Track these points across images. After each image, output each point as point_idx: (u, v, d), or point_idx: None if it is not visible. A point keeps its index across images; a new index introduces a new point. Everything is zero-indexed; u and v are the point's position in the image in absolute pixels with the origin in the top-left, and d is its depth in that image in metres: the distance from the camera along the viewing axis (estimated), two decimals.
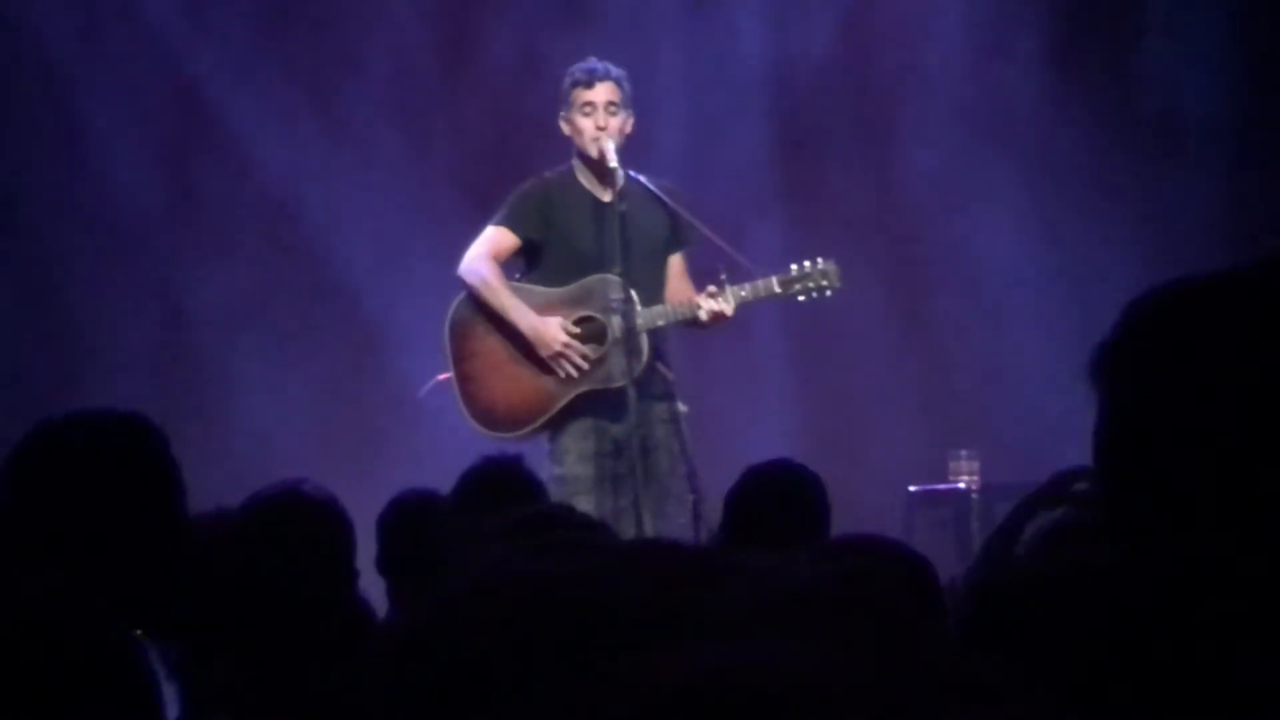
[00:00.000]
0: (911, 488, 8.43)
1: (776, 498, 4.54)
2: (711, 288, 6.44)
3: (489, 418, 6.59)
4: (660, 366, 6.58)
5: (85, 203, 8.71)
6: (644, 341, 6.45)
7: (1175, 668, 1.43)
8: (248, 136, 8.84)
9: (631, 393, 6.34)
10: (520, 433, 6.55)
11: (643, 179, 6.65)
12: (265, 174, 8.86)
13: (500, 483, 4.53)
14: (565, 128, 6.64)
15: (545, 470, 6.43)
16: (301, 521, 3.18)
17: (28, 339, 8.61)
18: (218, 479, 3.89)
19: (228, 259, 8.77)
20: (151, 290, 8.82)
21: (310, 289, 8.85)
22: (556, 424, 6.54)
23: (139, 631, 2.64)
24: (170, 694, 2.79)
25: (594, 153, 6.54)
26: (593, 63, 6.66)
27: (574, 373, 6.50)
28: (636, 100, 6.69)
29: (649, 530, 6.24)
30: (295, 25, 8.90)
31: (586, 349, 6.51)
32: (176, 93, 8.82)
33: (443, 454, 6.28)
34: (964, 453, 8.34)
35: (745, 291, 6.47)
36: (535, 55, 8.48)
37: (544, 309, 6.56)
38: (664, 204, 6.66)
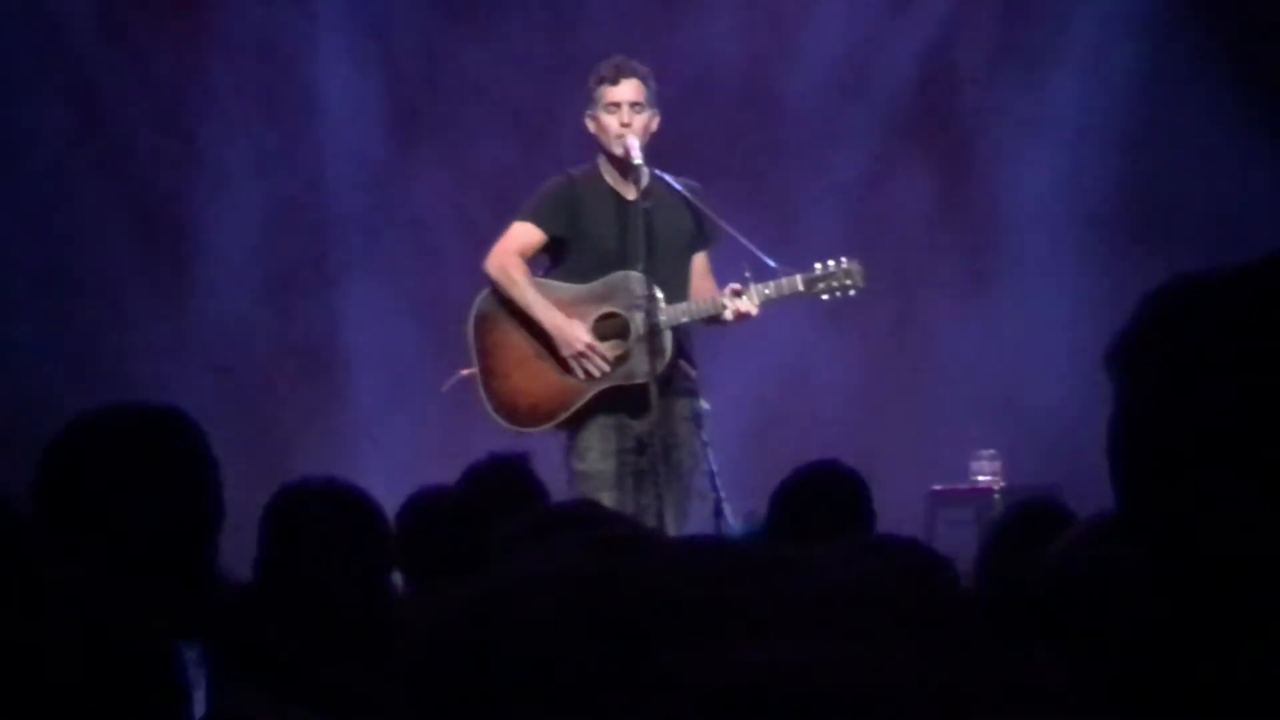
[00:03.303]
0: (934, 487, 8.43)
1: (820, 497, 4.56)
2: (735, 286, 6.43)
3: (511, 412, 6.59)
4: (683, 364, 6.57)
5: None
6: (667, 339, 6.45)
7: (1189, 666, 1.43)
8: None
9: (654, 389, 6.34)
10: (542, 427, 6.55)
11: (667, 177, 6.65)
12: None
13: (503, 481, 4.53)
14: (590, 125, 6.64)
15: (566, 466, 6.44)
16: (332, 512, 3.13)
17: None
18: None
19: None
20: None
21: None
22: (579, 419, 6.54)
23: (169, 630, 2.63)
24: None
25: (618, 150, 6.53)
26: (618, 60, 6.66)
27: (594, 374, 6.50)
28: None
29: (670, 528, 6.24)
30: None
31: (608, 348, 6.50)
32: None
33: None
34: (986, 452, 8.33)
35: (769, 290, 6.46)
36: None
37: (568, 305, 6.56)
38: (688, 202, 6.66)
